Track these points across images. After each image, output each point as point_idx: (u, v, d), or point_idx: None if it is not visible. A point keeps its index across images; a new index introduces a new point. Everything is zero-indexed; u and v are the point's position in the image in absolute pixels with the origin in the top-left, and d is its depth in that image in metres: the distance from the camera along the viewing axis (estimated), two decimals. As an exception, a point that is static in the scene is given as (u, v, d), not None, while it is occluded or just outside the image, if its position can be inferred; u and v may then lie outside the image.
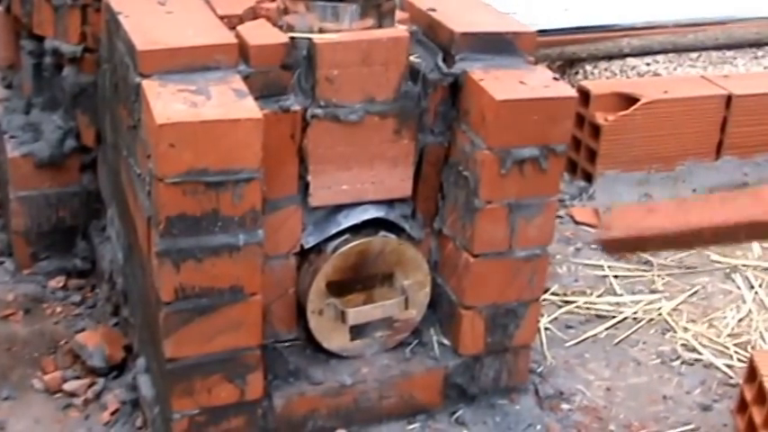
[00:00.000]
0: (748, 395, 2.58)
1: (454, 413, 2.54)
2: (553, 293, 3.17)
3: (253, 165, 2.06)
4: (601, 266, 3.36)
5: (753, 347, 2.97)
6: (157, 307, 2.15)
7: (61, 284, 3.05)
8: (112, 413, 2.57)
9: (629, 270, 3.36)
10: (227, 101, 2.06)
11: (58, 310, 2.96)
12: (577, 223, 3.61)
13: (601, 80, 4.34)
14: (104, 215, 2.96)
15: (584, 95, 3.76)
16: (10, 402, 2.63)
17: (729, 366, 2.90)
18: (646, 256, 3.42)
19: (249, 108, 2.05)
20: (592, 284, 3.27)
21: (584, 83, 3.97)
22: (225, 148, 2.02)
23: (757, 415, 2.50)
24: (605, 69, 4.41)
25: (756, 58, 4.61)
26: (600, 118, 3.73)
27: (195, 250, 2.09)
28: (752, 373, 2.60)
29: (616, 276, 3.31)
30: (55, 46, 2.85)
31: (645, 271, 3.35)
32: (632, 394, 2.78)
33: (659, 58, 4.47)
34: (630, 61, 4.43)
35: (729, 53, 4.61)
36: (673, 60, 4.46)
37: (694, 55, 4.56)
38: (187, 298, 2.13)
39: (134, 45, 2.14)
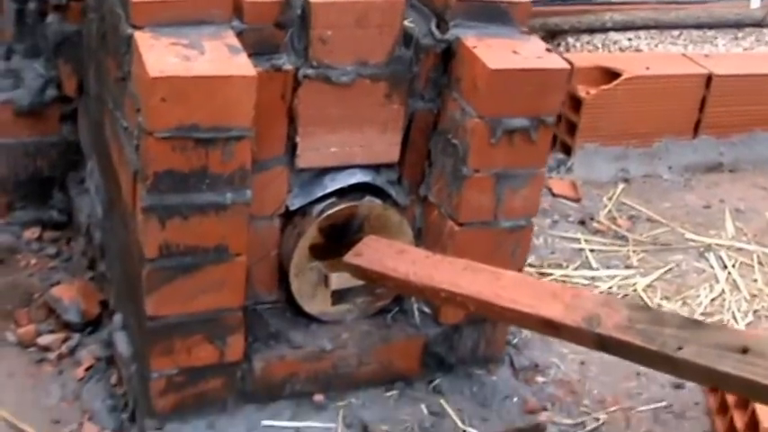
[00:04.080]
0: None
1: (432, 382, 2.54)
2: (530, 265, 3.16)
3: (244, 123, 2.02)
4: (577, 240, 3.36)
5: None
6: (140, 264, 2.12)
7: (36, 235, 2.99)
8: (86, 369, 2.54)
9: (604, 244, 3.36)
10: (221, 57, 2.02)
11: (33, 261, 2.91)
12: (555, 196, 3.61)
13: (583, 53, 4.33)
14: (83, 167, 2.91)
15: (567, 68, 3.75)
16: (-18, 355, 2.60)
17: (703, 345, 2.91)
18: (621, 231, 3.43)
19: (243, 65, 2.01)
20: (568, 257, 3.27)
21: (567, 55, 3.96)
22: (217, 104, 1.98)
23: (730, 394, 2.52)
24: (587, 42, 4.40)
25: (736, 38, 4.62)
26: (581, 91, 3.73)
27: (182, 207, 2.06)
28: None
29: (592, 250, 3.32)
30: (40, -7, 2.80)
31: (620, 246, 3.36)
32: (606, 369, 2.79)
33: (641, 33, 4.47)
34: (612, 35, 4.43)
35: (710, 32, 4.62)
36: (654, 37, 4.46)
37: (676, 32, 4.56)
38: (171, 255, 2.10)
39: (127, -5, 2.09)
